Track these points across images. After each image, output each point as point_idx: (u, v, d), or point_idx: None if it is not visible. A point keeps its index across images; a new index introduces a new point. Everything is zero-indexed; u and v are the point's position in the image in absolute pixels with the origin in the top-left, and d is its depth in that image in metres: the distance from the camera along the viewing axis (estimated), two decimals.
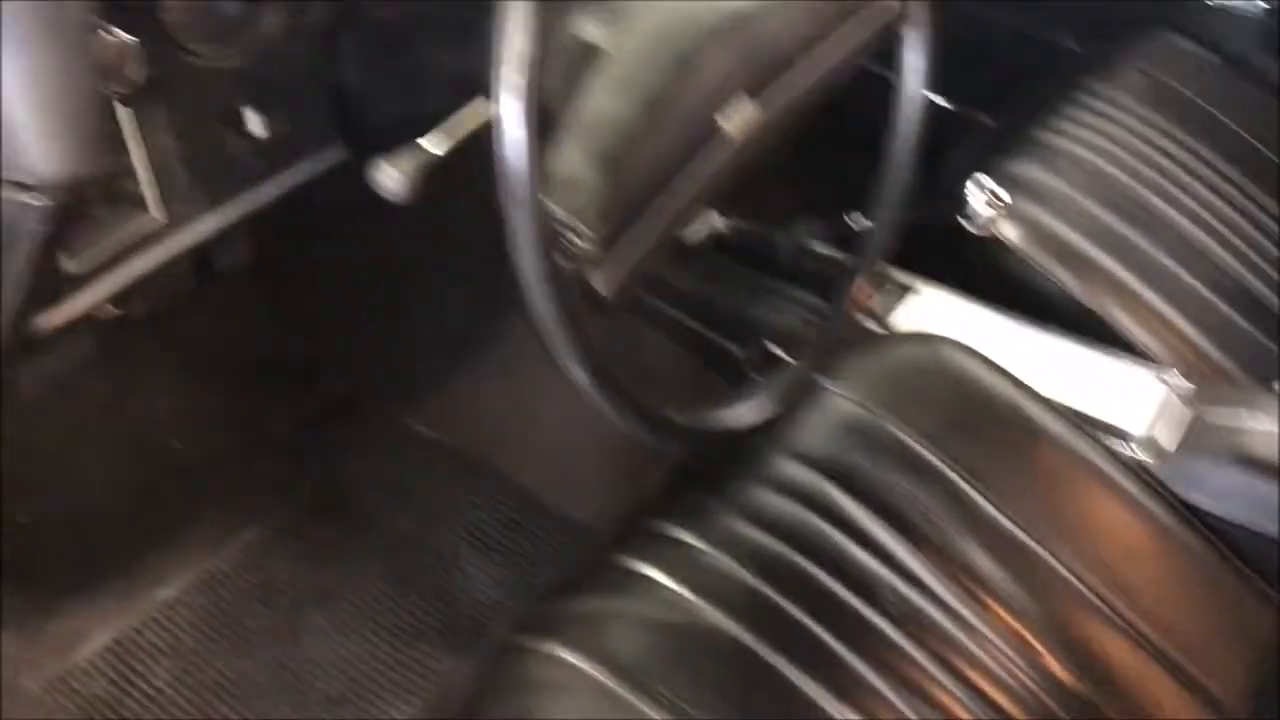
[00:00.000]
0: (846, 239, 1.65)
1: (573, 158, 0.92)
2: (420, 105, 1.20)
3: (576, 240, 0.92)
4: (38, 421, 1.62)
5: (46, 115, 0.84)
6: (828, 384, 1.26)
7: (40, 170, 0.85)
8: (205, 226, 1.15)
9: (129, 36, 0.98)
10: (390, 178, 0.89)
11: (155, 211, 1.11)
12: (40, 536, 1.54)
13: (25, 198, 0.87)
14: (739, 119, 1.04)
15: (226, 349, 1.74)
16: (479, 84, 0.95)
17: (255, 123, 1.17)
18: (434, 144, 0.93)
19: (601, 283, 0.95)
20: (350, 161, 1.27)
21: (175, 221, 1.13)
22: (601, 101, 0.95)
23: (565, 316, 0.89)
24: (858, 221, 1.59)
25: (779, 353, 1.57)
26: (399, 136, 1.14)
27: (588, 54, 0.96)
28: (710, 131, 1.02)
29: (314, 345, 1.78)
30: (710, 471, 1.25)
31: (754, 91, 1.06)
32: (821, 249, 1.64)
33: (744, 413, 1.13)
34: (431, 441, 1.76)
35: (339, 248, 1.65)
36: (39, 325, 1.02)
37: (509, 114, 0.83)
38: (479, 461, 1.74)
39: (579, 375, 0.92)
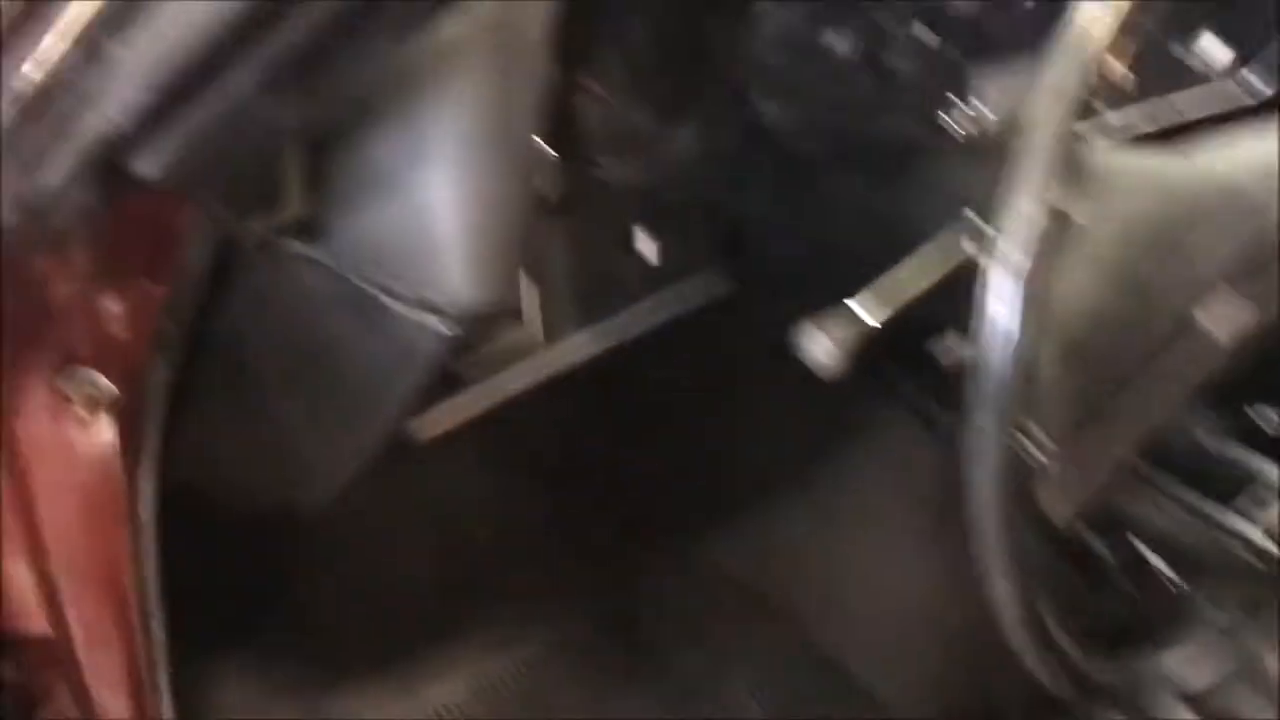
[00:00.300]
0: (1251, 435, 1.43)
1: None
2: (826, 245, 1.10)
3: (1032, 447, 0.76)
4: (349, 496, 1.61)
5: (481, 238, 0.77)
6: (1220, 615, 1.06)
7: (459, 295, 0.78)
8: (583, 347, 1.08)
9: (550, 150, 0.90)
10: (821, 347, 0.76)
11: (536, 328, 1.02)
12: (334, 612, 1.49)
13: (432, 321, 0.80)
14: (1226, 317, 0.86)
15: (542, 450, 1.67)
16: (908, 234, 0.85)
17: (647, 245, 1.09)
18: (870, 309, 0.80)
19: (1054, 502, 0.79)
20: (736, 294, 1.18)
21: (555, 340, 1.07)
22: (1071, 282, 0.80)
23: (1012, 539, 0.74)
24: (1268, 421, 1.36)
25: (1157, 562, 1.35)
26: (798, 274, 1.05)
27: (1057, 225, 0.81)
28: (1192, 329, 0.85)
29: (628, 460, 1.69)
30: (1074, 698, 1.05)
31: (1243, 285, 0.88)
32: (1222, 447, 1.42)
33: (1190, 675, 0.94)
34: (734, 580, 1.63)
35: (669, 361, 1.55)
36: (411, 435, 0.98)
37: (1002, 300, 0.69)
38: (781, 611, 1.60)
39: (1005, 601, 0.76)
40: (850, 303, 0.80)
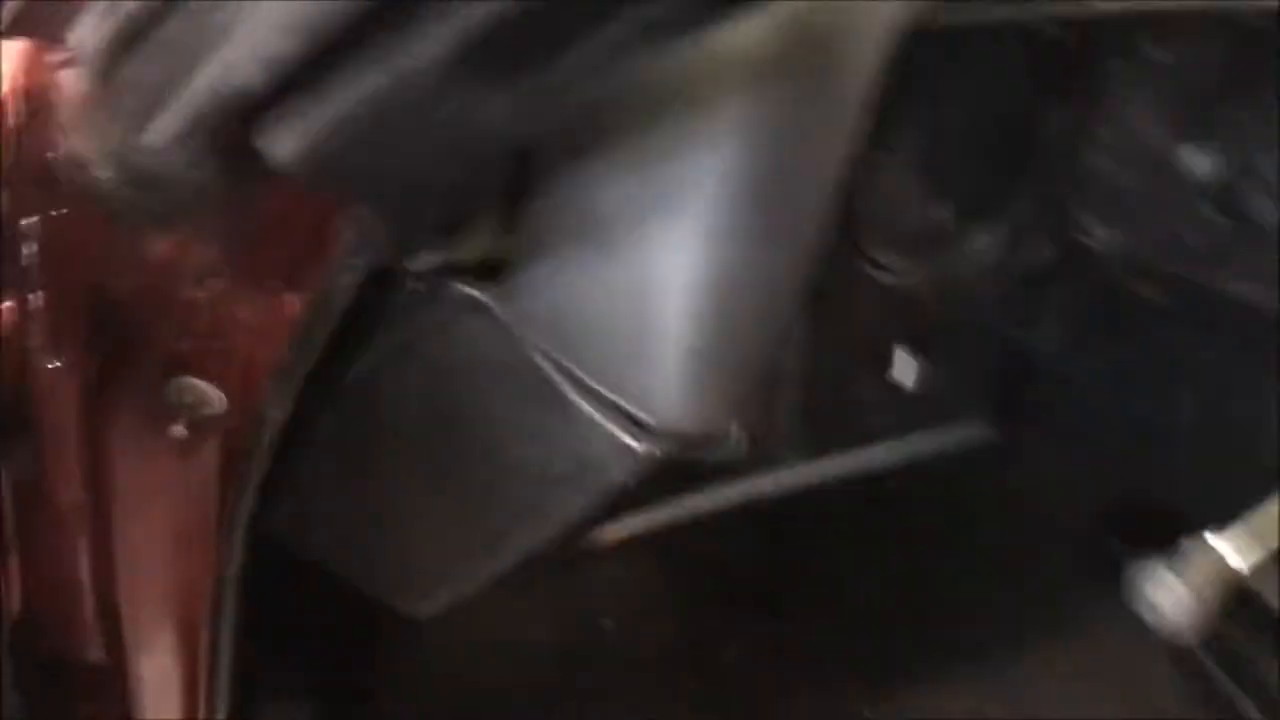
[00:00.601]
0: None
1: None
2: (1140, 410, 0.92)
3: None
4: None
5: (719, 337, 0.56)
6: None
7: (668, 407, 0.57)
8: (802, 475, 0.91)
9: None
10: (1175, 599, 0.53)
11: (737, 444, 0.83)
12: (428, 705, 1.37)
13: (624, 433, 0.60)
14: None
15: (712, 573, 1.48)
16: (1261, 422, 0.75)
17: (904, 368, 0.93)
18: (1234, 548, 0.56)
19: None
20: (997, 445, 1.01)
21: (773, 463, 0.90)
22: None
23: None
24: None
25: None
26: (1089, 436, 0.91)
27: None
28: None
29: (807, 600, 1.50)
30: None
31: None
32: None
33: None
34: None
35: (891, 504, 1.34)
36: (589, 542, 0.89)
37: None
38: None
39: None
40: (1214, 539, 0.58)
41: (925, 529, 1.41)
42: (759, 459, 0.90)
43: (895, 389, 0.94)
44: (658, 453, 0.59)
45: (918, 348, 0.94)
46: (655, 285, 0.56)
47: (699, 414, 0.58)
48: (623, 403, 0.59)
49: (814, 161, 0.56)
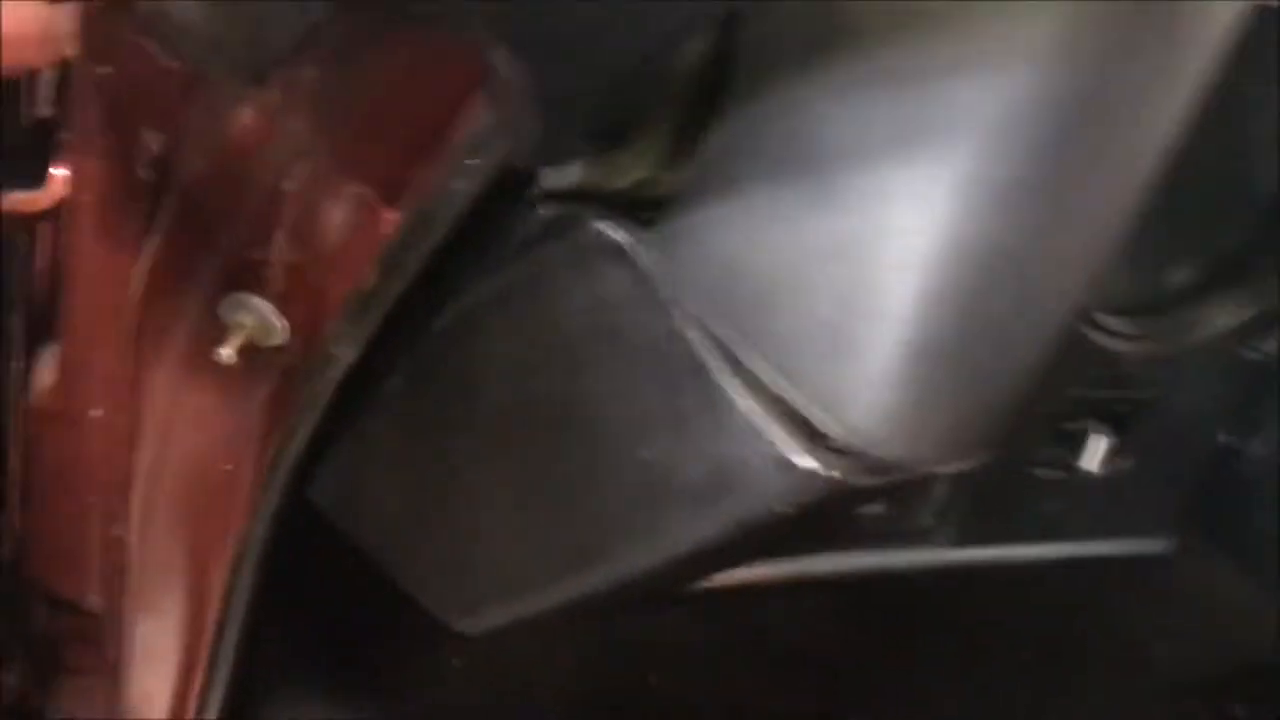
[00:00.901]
0: None
1: None
2: None
3: None
4: None
5: (964, 338, 0.42)
6: None
7: (871, 428, 0.43)
8: (929, 558, 0.81)
9: None
10: None
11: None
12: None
13: (795, 452, 0.45)
14: None
15: (773, 642, 1.37)
16: None
17: (1094, 452, 0.79)
18: None
19: None
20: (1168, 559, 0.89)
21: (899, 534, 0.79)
22: None
23: None
24: None
25: None
26: None
27: None
28: None
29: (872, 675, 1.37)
30: None
31: None
32: None
33: None
34: None
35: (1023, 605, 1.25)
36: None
37: None
38: None
39: None
40: None
41: (1042, 636, 1.29)
42: (901, 529, 0.76)
43: (1078, 473, 0.81)
44: (830, 476, 0.44)
45: (1114, 429, 0.80)
46: (879, 249, 0.41)
47: (905, 434, 0.42)
48: (798, 402, 0.44)
49: (1133, 116, 0.41)
